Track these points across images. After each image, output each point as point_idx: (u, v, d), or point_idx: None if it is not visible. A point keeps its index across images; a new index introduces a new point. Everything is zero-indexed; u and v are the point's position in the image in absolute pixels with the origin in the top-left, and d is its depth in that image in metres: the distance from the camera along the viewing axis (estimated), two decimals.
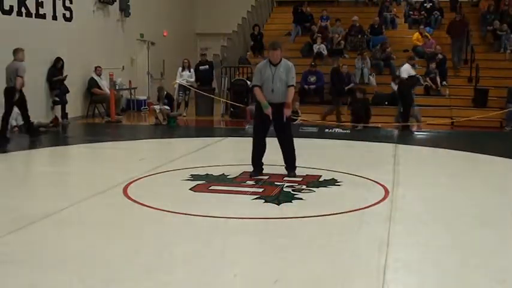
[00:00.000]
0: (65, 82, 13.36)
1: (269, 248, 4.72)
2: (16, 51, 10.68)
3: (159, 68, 18.91)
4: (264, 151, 7.45)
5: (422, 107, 14.53)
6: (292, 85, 7.32)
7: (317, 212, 5.74)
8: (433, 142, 11.37)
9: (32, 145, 10.33)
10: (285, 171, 7.47)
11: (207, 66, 15.94)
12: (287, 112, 7.29)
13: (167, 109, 13.48)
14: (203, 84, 15.59)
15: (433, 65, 15.23)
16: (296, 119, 13.69)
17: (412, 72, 13.35)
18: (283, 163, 7.49)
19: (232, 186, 6.86)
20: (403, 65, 13.30)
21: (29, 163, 8.72)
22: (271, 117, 7.23)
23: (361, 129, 12.80)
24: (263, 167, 7.46)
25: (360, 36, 17.37)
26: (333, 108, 13.96)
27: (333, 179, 7.31)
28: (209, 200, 6.29)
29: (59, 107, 13.38)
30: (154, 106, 13.61)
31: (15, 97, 10.59)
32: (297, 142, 10.58)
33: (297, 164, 7.48)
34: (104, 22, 15.58)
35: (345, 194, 6.66)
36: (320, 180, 7.27)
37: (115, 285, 3.94)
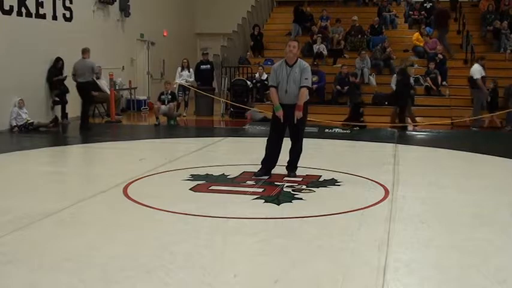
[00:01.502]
0: (65, 82, 13.36)
1: (269, 248, 4.72)
2: (85, 51, 12.48)
3: (159, 68, 18.92)
4: (277, 153, 7.35)
5: (423, 107, 14.56)
6: (305, 86, 7.13)
7: (317, 212, 5.74)
8: (433, 142, 11.37)
9: (32, 145, 10.32)
10: (285, 171, 7.47)
11: (209, 65, 15.95)
12: (298, 114, 7.14)
13: (175, 102, 13.45)
14: (204, 83, 15.60)
15: (432, 65, 15.22)
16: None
17: (483, 73, 13.33)
18: (282, 163, 7.48)
19: (232, 186, 6.86)
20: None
21: (28, 163, 8.72)
22: (281, 120, 7.15)
23: (359, 130, 12.80)
24: (272, 171, 7.37)
25: (360, 36, 17.37)
26: (401, 109, 13.86)
27: (333, 179, 7.32)
28: (209, 200, 6.29)
29: (59, 107, 13.39)
30: (161, 106, 13.46)
31: (90, 92, 12.82)
32: None
33: (298, 165, 7.47)
34: (104, 22, 15.59)
35: (345, 194, 6.66)
36: (320, 180, 7.27)
37: (115, 285, 3.94)
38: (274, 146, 7.36)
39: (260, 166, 7.40)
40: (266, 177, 7.26)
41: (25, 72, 12.21)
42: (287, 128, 7.34)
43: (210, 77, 16.01)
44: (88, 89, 12.67)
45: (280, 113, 7.16)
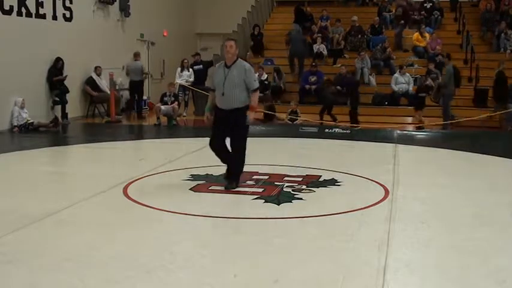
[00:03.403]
0: (65, 82, 13.37)
1: (269, 248, 4.72)
2: (137, 54, 15.32)
3: (159, 68, 18.90)
4: (226, 157, 6.78)
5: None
6: (256, 89, 6.69)
7: (317, 212, 5.74)
8: (433, 142, 11.37)
9: (32, 145, 10.32)
10: (285, 172, 7.47)
11: (201, 66, 16.01)
12: (251, 115, 6.65)
13: (176, 102, 13.40)
14: (198, 83, 15.63)
15: (431, 65, 15.20)
16: (296, 119, 13.73)
17: None
18: (282, 163, 7.47)
19: None
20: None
21: (28, 163, 8.72)
22: (204, 120, 6.88)
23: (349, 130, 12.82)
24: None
25: (360, 36, 17.37)
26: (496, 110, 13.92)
27: (333, 179, 7.31)
28: (209, 200, 6.29)
29: (59, 107, 13.39)
30: (161, 106, 13.39)
31: (142, 88, 15.38)
32: (297, 142, 10.69)
33: (298, 165, 7.44)
34: (104, 22, 15.58)
35: (345, 194, 6.66)
36: (320, 180, 7.27)
37: (115, 285, 3.94)
38: (217, 153, 6.80)
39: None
40: (266, 177, 7.26)
41: (25, 72, 12.20)
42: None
43: (203, 76, 16.05)
44: (140, 86, 15.25)
45: (206, 114, 6.96)
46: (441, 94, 13.56)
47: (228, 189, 6.60)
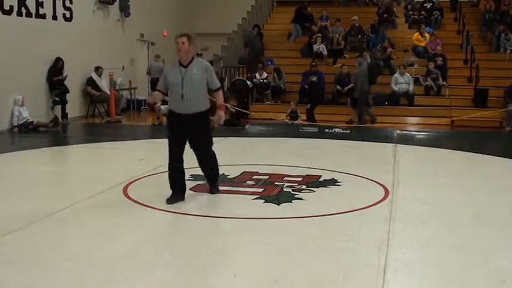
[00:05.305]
0: (65, 82, 13.37)
1: (269, 248, 4.72)
2: (158, 55, 16.86)
3: None
4: (183, 170, 6.29)
5: (422, 107, 14.56)
6: (219, 88, 6.29)
7: (317, 212, 5.74)
8: (433, 142, 11.37)
9: (32, 145, 10.32)
10: (284, 171, 7.46)
11: None
12: (222, 114, 6.27)
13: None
14: None
15: (431, 65, 15.20)
16: (296, 120, 13.72)
17: None
18: (282, 163, 7.47)
19: (232, 186, 6.86)
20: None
21: (28, 163, 8.72)
22: (148, 105, 5.93)
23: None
24: (185, 194, 6.22)
25: (360, 36, 17.37)
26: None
27: (333, 179, 7.32)
28: (209, 200, 6.29)
29: (59, 107, 13.39)
30: (161, 106, 13.38)
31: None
32: (297, 142, 10.68)
33: (298, 165, 7.45)
34: (104, 22, 15.59)
35: (345, 194, 6.66)
36: (320, 180, 7.27)
37: (115, 285, 3.94)
38: (179, 166, 6.25)
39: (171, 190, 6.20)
40: (266, 177, 7.26)
41: (25, 72, 12.20)
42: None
43: None
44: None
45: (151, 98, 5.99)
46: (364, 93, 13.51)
47: (213, 193, 6.41)
